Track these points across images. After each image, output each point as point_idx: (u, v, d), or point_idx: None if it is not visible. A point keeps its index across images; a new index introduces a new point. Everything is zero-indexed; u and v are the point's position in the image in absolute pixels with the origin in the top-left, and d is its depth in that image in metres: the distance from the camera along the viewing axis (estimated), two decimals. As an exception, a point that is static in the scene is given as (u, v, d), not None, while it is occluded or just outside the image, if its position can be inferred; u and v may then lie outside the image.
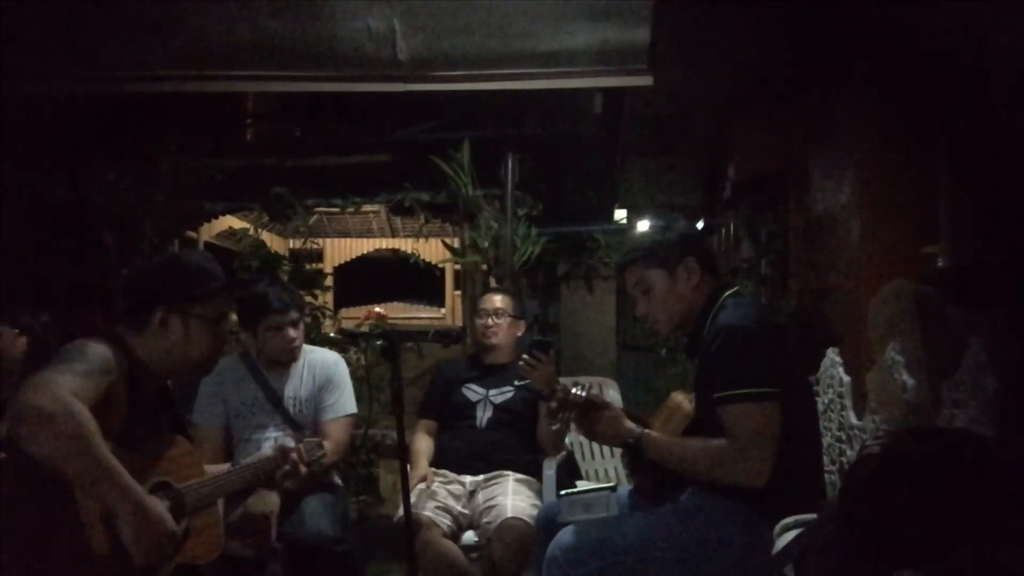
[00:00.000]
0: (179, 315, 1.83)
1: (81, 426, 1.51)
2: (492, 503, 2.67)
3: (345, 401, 2.72)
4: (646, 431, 2.02)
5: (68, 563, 1.58)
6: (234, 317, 3.31)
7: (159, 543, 1.63)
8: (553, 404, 2.10)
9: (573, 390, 2.09)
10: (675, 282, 2.05)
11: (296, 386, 2.68)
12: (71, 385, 1.56)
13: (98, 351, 1.68)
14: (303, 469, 2.22)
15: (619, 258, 2.23)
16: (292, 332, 2.63)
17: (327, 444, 2.55)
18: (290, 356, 2.67)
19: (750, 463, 1.83)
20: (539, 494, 2.76)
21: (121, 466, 1.58)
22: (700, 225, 5.67)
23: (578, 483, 2.91)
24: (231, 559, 2.03)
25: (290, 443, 2.28)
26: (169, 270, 1.93)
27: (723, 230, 4.93)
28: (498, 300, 3.13)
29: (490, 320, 3.08)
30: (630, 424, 2.04)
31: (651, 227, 2.19)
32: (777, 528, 1.72)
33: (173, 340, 1.83)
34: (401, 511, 2.19)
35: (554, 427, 2.15)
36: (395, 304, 8.96)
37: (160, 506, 1.66)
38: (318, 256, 7.52)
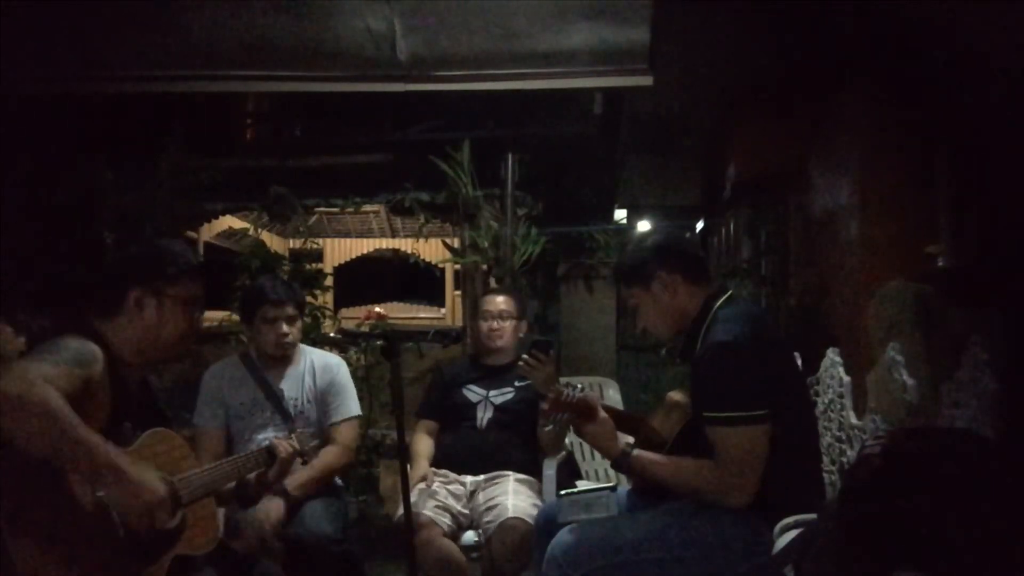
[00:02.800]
0: (153, 295, 1.86)
1: (51, 407, 1.52)
2: (493, 503, 2.67)
3: (349, 404, 2.72)
4: (635, 451, 2.02)
5: (55, 549, 1.57)
6: (235, 317, 3.31)
7: (151, 504, 1.64)
8: (545, 405, 2.10)
9: (565, 391, 2.09)
10: (654, 296, 2.09)
11: (297, 387, 2.68)
12: (41, 372, 1.56)
13: (74, 344, 1.69)
14: (295, 450, 2.23)
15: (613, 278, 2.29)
16: (285, 327, 2.62)
17: (335, 447, 2.56)
18: (282, 351, 2.66)
19: (735, 486, 1.85)
20: (540, 494, 2.76)
21: (100, 437, 1.58)
22: (700, 224, 5.68)
23: (578, 483, 2.91)
24: (228, 552, 2.04)
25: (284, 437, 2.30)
26: (142, 254, 1.96)
27: (723, 230, 4.93)
28: (502, 302, 3.10)
29: (495, 323, 3.05)
30: (618, 443, 2.05)
31: (629, 245, 2.22)
32: (777, 528, 1.73)
33: (148, 321, 1.85)
34: (401, 511, 2.19)
35: (547, 428, 2.14)
36: (395, 304, 8.96)
37: (147, 470, 1.67)
38: (318, 256, 7.52)
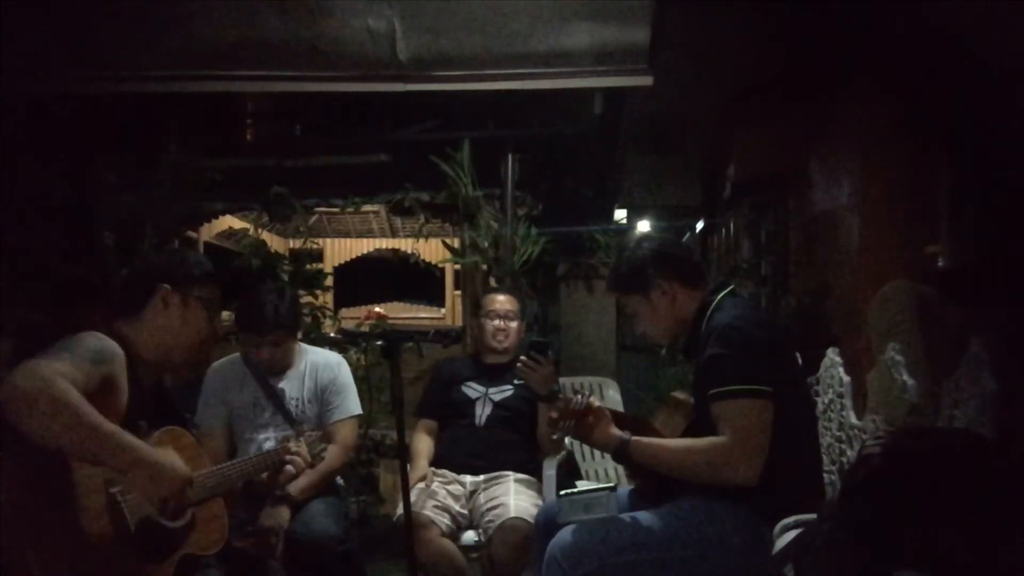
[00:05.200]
0: (179, 294, 1.92)
1: (68, 401, 1.54)
2: (495, 503, 2.67)
3: (350, 402, 2.71)
4: (633, 438, 2.01)
5: (66, 547, 1.58)
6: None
7: (173, 484, 1.68)
8: (554, 414, 2.09)
9: (576, 397, 2.08)
10: (654, 303, 2.11)
11: (298, 387, 2.68)
12: (58, 368, 1.58)
13: (92, 342, 1.70)
14: (306, 463, 2.24)
15: (606, 284, 2.31)
16: (269, 352, 2.59)
17: (334, 447, 2.56)
18: (271, 371, 2.65)
19: (742, 460, 1.84)
20: (540, 494, 2.76)
21: (116, 426, 1.61)
22: (700, 224, 5.67)
23: (578, 483, 2.91)
24: (234, 553, 2.04)
25: (292, 439, 2.30)
26: (171, 257, 2.05)
27: (723, 230, 4.93)
28: (506, 301, 3.08)
29: (501, 323, 3.04)
30: (616, 432, 2.03)
31: (622, 252, 2.23)
32: (777, 528, 1.73)
33: (173, 320, 1.91)
34: (401, 511, 2.19)
35: (555, 436, 2.13)
36: (395, 304, 8.96)
37: (165, 451, 1.70)
38: (318, 256, 7.53)
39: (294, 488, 2.41)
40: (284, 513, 2.37)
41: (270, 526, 2.32)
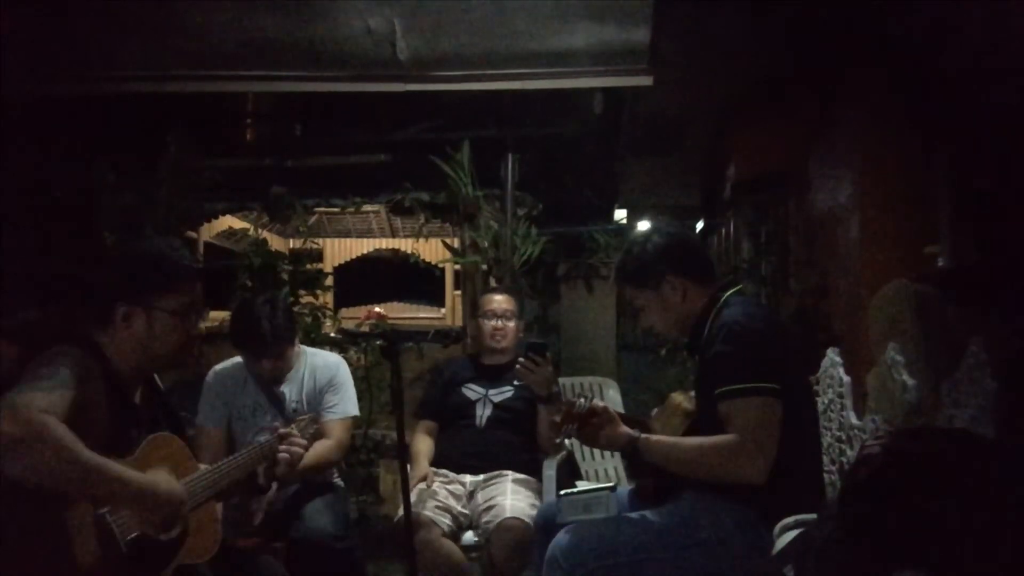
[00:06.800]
0: (141, 310, 1.77)
1: (58, 441, 1.49)
2: (491, 503, 2.67)
3: (347, 403, 2.71)
4: (644, 435, 2.01)
5: (57, 571, 1.55)
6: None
7: (168, 508, 1.65)
8: (556, 418, 2.08)
9: (579, 401, 2.07)
10: (663, 298, 2.09)
11: (298, 389, 2.67)
12: (42, 402, 1.53)
13: (66, 363, 1.63)
14: (303, 448, 2.19)
15: (614, 277, 2.29)
16: (270, 364, 2.58)
17: (328, 442, 2.55)
18: (273, 380, 2.64)
19: (751, 457, 1.83)
20: (538, 494, 2.76)
21: (108, 460, 1.57)
22: (700, 224, 5.67)
23: (578, 483, 2.91)
24: (228, 550, 2.03)
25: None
26: (127, 264, 1.87)
27: (723, 230, 4.93)
28: (504, 300, 3.09)
29: (499, 322, 3.04)
30: (626, 430, 2.02)
31: (632, 246, 2.19)
32: (777, 528, 1.72)
33: (139, 336, 1.77)
34: (401, 511, 2.19)
35: (557, 440, 2.12)
36: (395, 304, 8.97)
37: (160, 476, 1.67)
38: (318, 256, 7.53)
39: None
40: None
41: (249, 502, 2.30)
